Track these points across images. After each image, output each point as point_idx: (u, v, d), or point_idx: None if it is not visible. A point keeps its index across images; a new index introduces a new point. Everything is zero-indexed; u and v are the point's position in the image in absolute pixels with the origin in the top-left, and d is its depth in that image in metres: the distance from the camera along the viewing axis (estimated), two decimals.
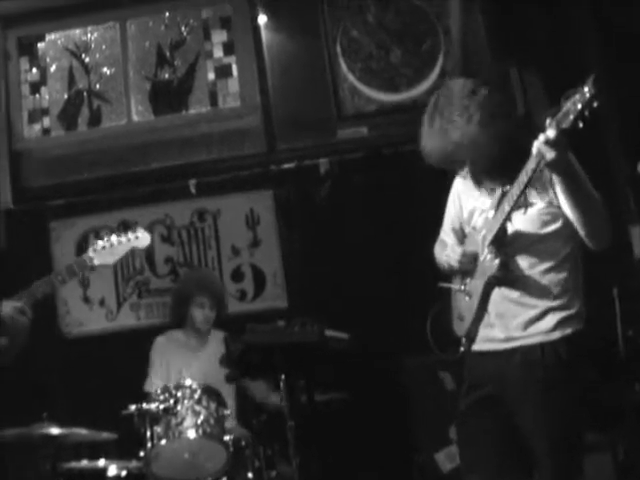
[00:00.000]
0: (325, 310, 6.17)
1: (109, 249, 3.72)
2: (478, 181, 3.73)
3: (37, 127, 7.86)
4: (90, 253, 3.73)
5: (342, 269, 6.86)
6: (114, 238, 3.75)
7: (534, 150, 3.23)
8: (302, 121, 7.37)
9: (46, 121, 7.85)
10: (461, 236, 3.94)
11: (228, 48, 7.74)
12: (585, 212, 3.42)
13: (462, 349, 3.83)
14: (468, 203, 3.86)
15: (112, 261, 3.80)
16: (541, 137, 3.16)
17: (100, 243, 3.72)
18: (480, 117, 3.51)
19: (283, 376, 4.90)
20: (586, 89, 3.05)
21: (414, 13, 7.55)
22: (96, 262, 3.73)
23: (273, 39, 7.59)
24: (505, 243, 3.60)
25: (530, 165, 3.32)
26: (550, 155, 3.16)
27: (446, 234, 4.05)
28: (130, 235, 3.78)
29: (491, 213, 3.66)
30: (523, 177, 3.39)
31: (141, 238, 3.81)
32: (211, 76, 7.70)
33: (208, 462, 5.03)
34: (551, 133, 3.12)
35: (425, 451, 6.05)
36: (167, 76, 7.75)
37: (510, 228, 3.59)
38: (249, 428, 5.52)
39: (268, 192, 7.32)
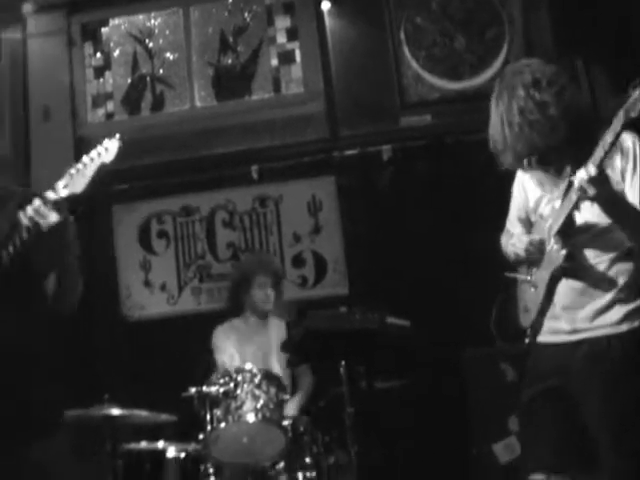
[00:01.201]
0: (386, 297, 6.17)
1: (82, 171, 3.15)
2: (545, 169, 3.67)
3: (101, 112, 7.94)
4: (60, 184, 3.17)
5: (404, 256, 6.83)
6: (85, 157, 3.17)
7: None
8: (365, 108, 7.34)
9: (110, 106, 7.93)
10: (528, 225, 3.88)
11: (292, 34, 7.74)
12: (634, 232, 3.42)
13: (527, 341, 3.77)
14: (534, 192, 3.79)
15: (81, 187, 3.15)
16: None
17: (75, 166, 3.15)
18: (551, 100, 3.47)
19: (343, 362, 4.89)
20: None
21: (478, 1, 7.48)
22: (64, 192, 3.13)
23: (337, 25, 7.56)
24: (572, 233, 3.53)
25: (598, 153, 3.26)
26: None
27: (512, 224, 3.98)
28: (98, 149, 3.20)
29: (558, 202, 3.59)
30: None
31: (109, 149, 3.21)
32: (274, 62, 7.72)
33: (266, 446, 5.03)
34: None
35: (483, 442, 6.01)
36: (230, 62, 7.77)
37: (577, 218, 3.53)
38: (308, 414, 5.50)
39: (330, 178, 7.31)
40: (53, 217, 3.05)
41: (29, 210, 3.06)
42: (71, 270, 3.38)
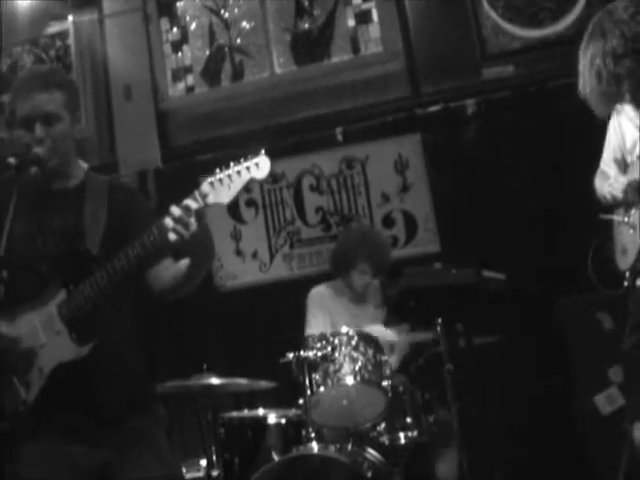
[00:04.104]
0: (478, 252, 6.10)
1: (227, 182, 3.04)
2: None
3: (181, 85, 7.98)
4: (205, 188, 3.07)
5: (493, 209, 6.76)
6: (232, 168, 3.05)
7: None
8: (446, 63, 7.23)
9: (190, 79, 7.96)
10: (623, 166, 3.80)
11: None
12: None
13: (626, 283, 3.69)
14: (632, 132, 3.71)
15: (228, 198, 3.06)
16: None
17: (217, 175, 3.06)
18: (625, 74, 3.39)
19: (440, 320, 4.84)
20: None
21: None
22: (210, 200, 3.06)
23: None
24: None
25: None
26: None
27: (607, 165, 3.90)
28: (249, 163, 3.05)
29: None
30: None
31: (261, 166, 3.06)
32: (351, 23, 7.65)
33: (366, 408, 5.02)
34: None
35: (585, 394, 5.92)
36: (307, 26, 7.73)
37: None
38: (406, 373, 5.46)
39: (415, 136, 7.21)
40: (194, 226, 3.02)
41: (170, 222, 3.03)
42: (200, 268, 3.37)
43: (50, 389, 3.26)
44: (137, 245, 3.15)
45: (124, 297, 3.48)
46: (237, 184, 2.99)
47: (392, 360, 5.42)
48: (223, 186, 2.98)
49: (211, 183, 3.00)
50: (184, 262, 3.37)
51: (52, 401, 3.25)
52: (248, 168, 2.99)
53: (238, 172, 2.99)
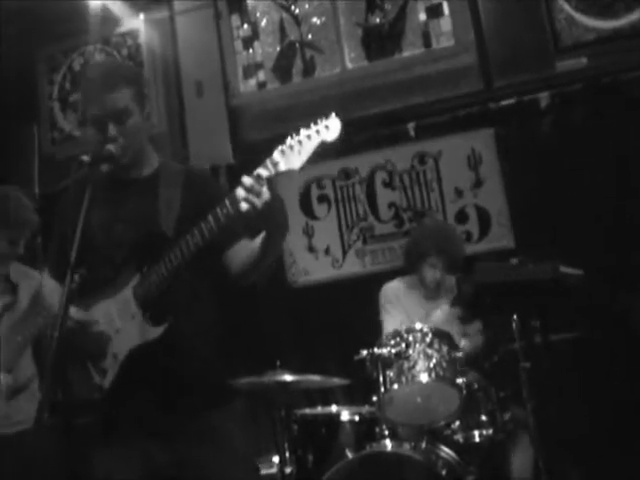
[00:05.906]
0: (552, 247, 6.02)
1: (297, 147, 3.00)
2: None
3: (252, 82, 8.02)
4: (276, 156, 3.04)
5: (568, 205, 6.65)
6: (302, 134, 3.02)
7: None
8: (518, 56, 7.14)
9: (261, 75, 7.99)
10: None
11: None
12: None
13: None
14: None
15: (299, 163, 3.02)
16: None
17: (288, 142, 3.02)
18: None
19: (515, 316, 4.78)
20: None
21: None
22: (281, 167, 3.03)
23: None
24: None
25: None
26: None
27: None
28: (319, 126, 3.03)
29: None
30: None
31: (331, 128, 3.04)
32: (422, 17, 7.60)
33: (441, 405, 4.99)
34: None
35: None
36: (378, 21, 7.70)
37: None
38: (481, 370, 5.40)
39: (488, 130, 7.14)
40: (266, 195, 3.01)
41: (242, 192, 3.02)
42: (274, 242, 3.35)
43: (125, 376, 3.29)
44: (210, 219, 3.14)
45: (201, 280, 3.49)
46: (307, 148, 2.98)
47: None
48: (294, 152, 2.97)
49: (282, 151, 2.99)
50: (259, 237, 3.35)
51: (126, 389, 3.29)
52: (318, 131, 2.98)
53: (308, 136, 2.98)
